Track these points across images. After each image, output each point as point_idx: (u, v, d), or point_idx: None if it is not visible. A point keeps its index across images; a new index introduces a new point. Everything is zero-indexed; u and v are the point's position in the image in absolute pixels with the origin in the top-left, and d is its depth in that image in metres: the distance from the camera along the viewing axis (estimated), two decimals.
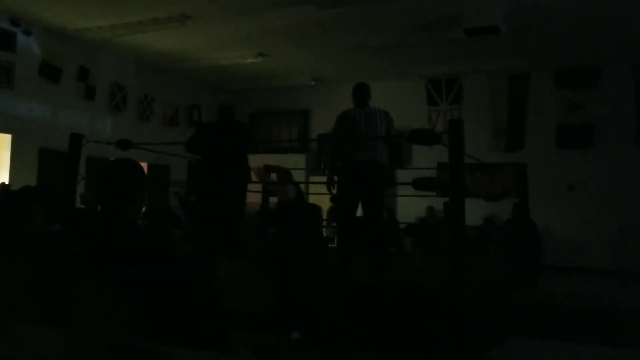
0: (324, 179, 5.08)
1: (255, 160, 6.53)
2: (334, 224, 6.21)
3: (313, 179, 10.24)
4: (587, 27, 7.83)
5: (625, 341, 4.76)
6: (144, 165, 7.18)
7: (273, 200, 6.68)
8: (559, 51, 9.03)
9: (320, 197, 6.40)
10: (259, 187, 6.62)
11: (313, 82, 11.12)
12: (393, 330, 4.28)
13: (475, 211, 8.65)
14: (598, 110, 9.52)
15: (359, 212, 4.93)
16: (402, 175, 7.39)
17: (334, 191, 4.93)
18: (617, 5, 7.08)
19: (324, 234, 7.62)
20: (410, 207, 10.27)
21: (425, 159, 8.64)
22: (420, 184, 5.02)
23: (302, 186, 7.12)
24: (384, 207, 5.13)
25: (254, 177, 5.90)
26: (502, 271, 6.28)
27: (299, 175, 9.31)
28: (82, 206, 6.73)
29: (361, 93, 5.10)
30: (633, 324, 5.26)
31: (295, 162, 9.50)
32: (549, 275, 8.35)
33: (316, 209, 5.03)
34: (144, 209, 5.72)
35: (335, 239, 5.80)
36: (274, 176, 6.58)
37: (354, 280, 4.81)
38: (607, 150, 9.45)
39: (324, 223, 5.48)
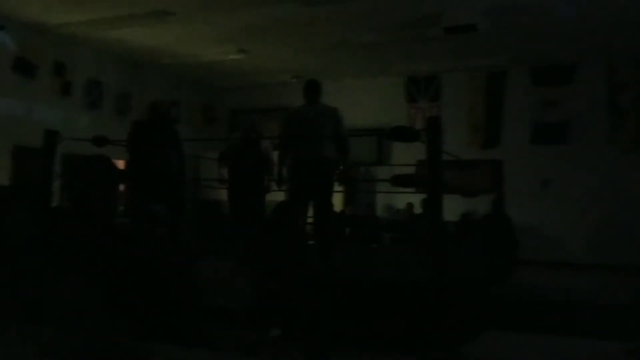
0: None
1: None
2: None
3: None
4: (562, 26, 7.98)
5: (599, 333, 4.89)
6: (121, 162, 7.12)
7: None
8: (535, 49, 9.18)
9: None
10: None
11: (294, 79, 11.13)
12: (373, 325, 4.34)
13: (453, 207, 8.77)
14: (572, 108, 9.71)
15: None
16: (382, 171, 7.47)
17: (284, 188, 5.05)
18: (591, 6, 7.22)
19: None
20: (390, 203, 10.39)
21: (405, 156, 8.72)
22: (398, 181, 5.10)
23: None
24: (332, 203, 5.22)
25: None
26: (479, 266, 6.38)
27: None
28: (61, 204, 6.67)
29: (311, 90, 5.16)
30: (606, 316, 5.41)
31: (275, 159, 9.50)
32: (524, 270, 8.50)
33: (296, 205, 5.07)
34: (122, 207, 5.71)
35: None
36: None
37: (333, 275, 4.86)
38: (581, 146, 9.65)
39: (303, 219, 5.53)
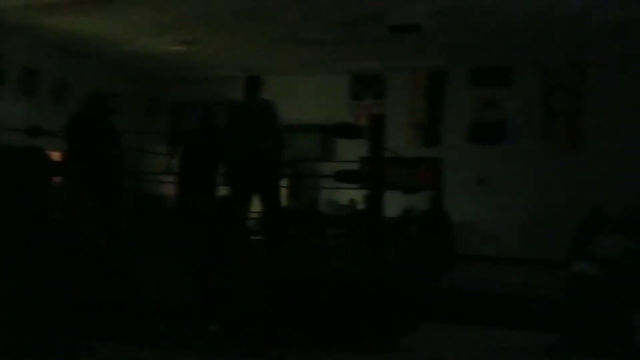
0: None
1: None
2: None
3: None
4: (500, 29, 8.28)
5: (530, 325, 5.14)
6: (57, 154, 6.88)
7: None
8: (474, 51, 9.49)
9: None
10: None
11: (240, 72, 11.05)
12: (313, 319, 4.41)
13: (394, 203, 8.98)
14: (509, 108, 10.13)
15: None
16: (327, 167, 7.56)
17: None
18: (528, 11, 7.52)
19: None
20: (333, 198, 10.51)
21: (349, 153, 8.84)
22: (342, 177, 5.18)
23: None
24: (279, 197, 5.26)
25: None
26: (418, 260, 6.57)
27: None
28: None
29: (250, 86, 5.20)
30: (538, 309, 5.68)
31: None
32: (461, 264, 8.82)
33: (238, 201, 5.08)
34: (61, 201, 5.54)
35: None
36: None
37: (277, 270, 4.90)
38: (516, 145, 10.07)
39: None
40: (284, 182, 5.47)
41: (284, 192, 5.40)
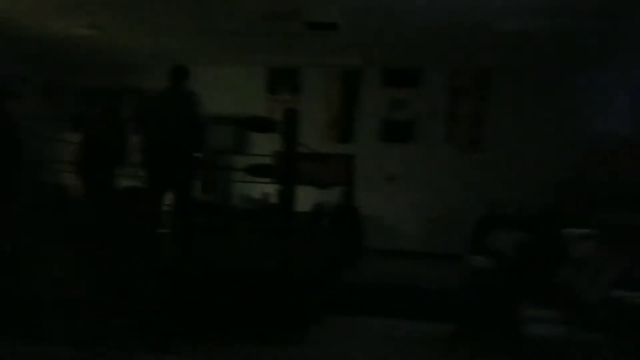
0: None
1: None
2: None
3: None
4: (411, 31, 8.57)
5: (432, 316, 5.41)
6: None
7: None
8: (387, 51, 9.78)
9: None
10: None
11: (150, 61, 10.73)
12: (221, 313, 4.40)
13: (306, 197, 9.10)
14: (418, 109, 10.54)
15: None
16: (241, 161, 7.52)
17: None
18: (436, 15, 7.85)
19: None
20: (246, 192, 10.47)
21: (264, 146, 8.87)
22: (255, 171, 5.20)
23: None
24: (191, 189, 5.19)
25: None
26: (328, 253, 6.71)
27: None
28: None
29: (175, 75, 5.11)
30: (439, 300, 5.97)
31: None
32: (370, 258, 9.10)
33: (144, 193, 4.96)
34: None
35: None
36: None
37: (185, 264, 4.83)
38: (424, 145, 10.51)
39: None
40: (197, 175, 5.38)
41: (196, 185, 5.30)
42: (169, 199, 5.02)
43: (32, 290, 3.95)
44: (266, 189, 9.51)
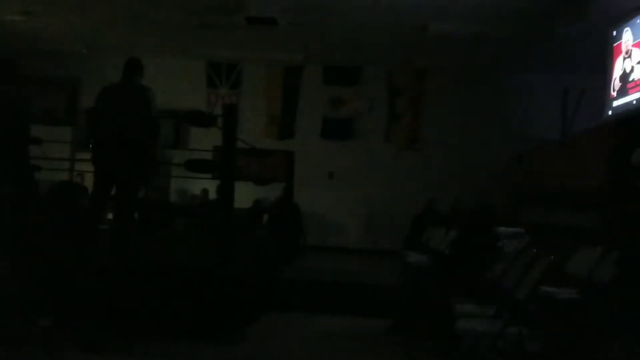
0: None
1: None
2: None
3: (80, 155, 9.54)
4: (352, 30, 8.66)
5: (369, 311, 5.49)
6: None
7: None
8: (328, 49, 9.83)
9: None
10: None
11: (85, 50, 10.33)
12: (158, 312, 4.31)
13: (246, 194, 9.02)
14: (357, 107, 10.66)
15: None
16: (180, 156, 7.38)
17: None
18: (376, 16, 7.97)
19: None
20: (185, 188, 10.30)
21: (204, 141, 8.73)
22: (193, 166, 5.10)
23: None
24: (137, 185, 5.04)
25: None
26: (267, 250, 6.68)
27: (64, 150, 8.63)
28: None
29: (129, 68, 4.95)
30: (376, 296, 6.06)
31: (60, 135, 8.82)
32: (309, 254, 9.14)
33: (78, 187, 4.78)
34: None
35: None
36: None
37: (120, 261, 4.69)
38: (363, 142, 10.65)
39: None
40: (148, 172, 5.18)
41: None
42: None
43: None
44: (205, 185, 9.36)
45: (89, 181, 5.15)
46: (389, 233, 9.88)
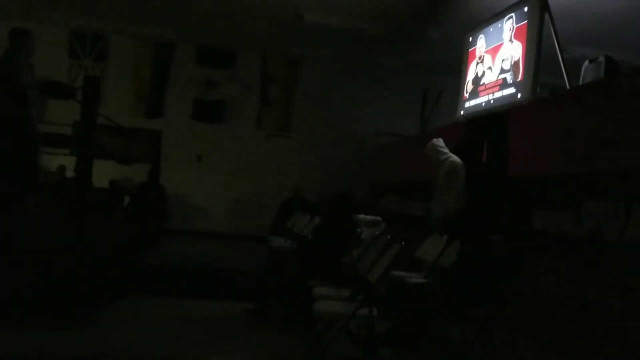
0: None
1: None
2: None
3: None
4: (224, 12, 8.49)
5: (232, 295, 5.51)
6: None
7: None
8: (202, 29, 9.60)
9: None
10: None
11: None
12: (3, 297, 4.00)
13: (108, 173, 8.58)
14: (230, 91, 10.55)
15: None
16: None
17: None
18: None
19: None
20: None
21: (65, 115, 8.18)
22: (49, 141, 4.79)
23: None
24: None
25: None
26: (128, 233, 6.43)
27: None
28: None
29: (13, 38, 4.54)
30: (239, 280, 6.09)
31: None
32: (173, 238, 8.91)
33: None
34: None
35: None
36: None
37: None
38: (234, 126, 10.59)
39: None
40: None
41: None
42: None
43: None
44: (62, 162, 8.76)
45: None
46: (257, 218, 9.93)
